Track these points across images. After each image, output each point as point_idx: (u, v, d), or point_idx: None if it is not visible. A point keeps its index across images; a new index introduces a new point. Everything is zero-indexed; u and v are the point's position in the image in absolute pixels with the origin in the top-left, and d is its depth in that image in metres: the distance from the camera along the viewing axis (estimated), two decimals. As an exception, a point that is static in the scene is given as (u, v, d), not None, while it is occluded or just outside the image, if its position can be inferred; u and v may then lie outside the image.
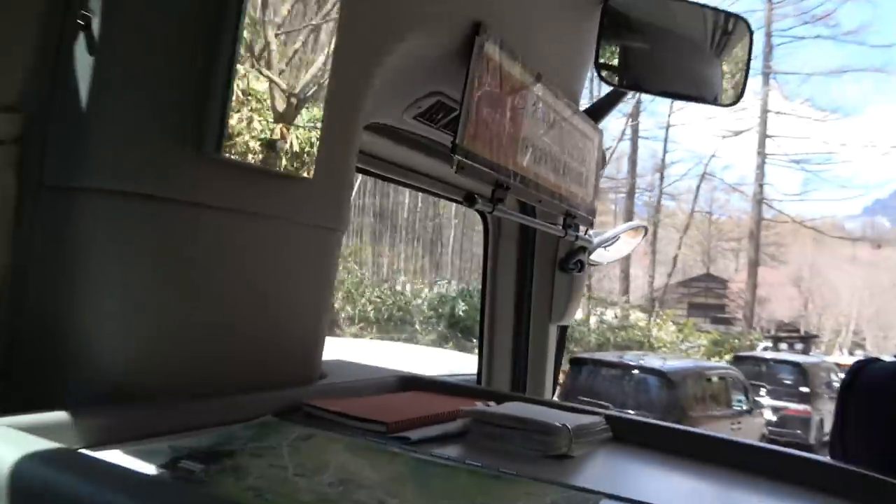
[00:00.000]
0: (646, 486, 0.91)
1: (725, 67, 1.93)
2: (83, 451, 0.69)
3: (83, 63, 0.80)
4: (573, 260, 1.99)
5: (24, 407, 0.70)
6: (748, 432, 11.61)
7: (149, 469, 0.66)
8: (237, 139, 0.85)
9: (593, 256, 2.17)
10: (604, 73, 1.86)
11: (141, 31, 0.81)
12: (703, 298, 35.79)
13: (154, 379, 0.82)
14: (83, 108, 0.80)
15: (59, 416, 0.70)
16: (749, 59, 1.90)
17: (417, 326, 16.51)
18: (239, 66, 0.84)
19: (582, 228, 1.91)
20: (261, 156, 0.89)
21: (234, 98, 0.84)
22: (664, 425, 1.09)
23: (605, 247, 2.27)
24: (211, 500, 0.59)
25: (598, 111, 1.93)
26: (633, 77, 1.90)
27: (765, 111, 30.83)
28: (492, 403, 1.07)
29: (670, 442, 1.03)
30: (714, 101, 1.95)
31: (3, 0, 0.76)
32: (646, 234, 2.66)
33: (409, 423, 0.94)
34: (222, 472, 0.69)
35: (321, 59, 0.98)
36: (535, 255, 2.01)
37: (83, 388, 0.78)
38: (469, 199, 1.38)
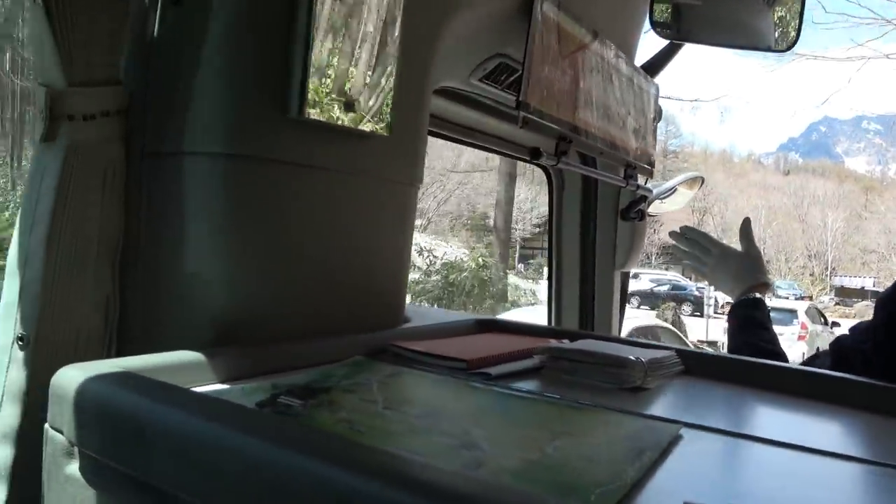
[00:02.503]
0: (721, 415, 0.84)
1: (780, 13, 1.77)
2: (195, 388, 0.68)
3: (178, 37, 0.78)
4: (634, 209, 1.89)
5: (139, 352, 0.69)
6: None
7: (251, 404, 0.64)
8: (318, 102, 0.81)
9: (650, 209, 2.05)
10: (658, 28, 1.73)
11: (227, 5, 0.77)
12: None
13: (258, 324, 0.81)
14: (180, 78, 0.78)
15: (174, 357, 0.69)
16: (804, 4, 1.73)
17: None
18: (316, 34, 0.80)
19: (641, 179, 1.80)
20: (340, 116, 0.85)
21: (313, 63, 0.80)
22: (733, 358, 1.01)
23: (661, 199, 2.15)
24: (308, 431, 0.57)
25: (654, 65, 1.80)
26: (686, 30, 1.76)
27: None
28: (565, 341, 1.01)
29: (739, 373, 0.95)
30: (769, 49, 1.79)
31: None
32: (702, 184, 2.51)
33: (488, 360, 0.90)
34: (318, 406, 0.67)
35: (392, 25, 0.92)
36: (597, 206, 1.92)
37: (193, 333, 0.77)
38: (534, 154, 1.31)
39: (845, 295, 36.24)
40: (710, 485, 0.57)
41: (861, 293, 35.29)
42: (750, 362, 0.98)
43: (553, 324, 2.03)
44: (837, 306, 32.92)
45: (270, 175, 0.81)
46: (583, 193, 1.93)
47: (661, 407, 0.81)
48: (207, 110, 0.77)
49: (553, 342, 0.99)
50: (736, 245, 1.56)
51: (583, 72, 1.34)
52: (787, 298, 24.00)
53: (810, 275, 42.49)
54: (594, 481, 0.52)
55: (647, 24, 1.74)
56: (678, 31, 1.74)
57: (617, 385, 0.85)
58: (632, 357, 0.86)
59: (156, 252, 0.79)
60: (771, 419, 0.85)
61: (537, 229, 30.50)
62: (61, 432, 0.58)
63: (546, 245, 2.19)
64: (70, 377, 0.59)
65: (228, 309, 0.79)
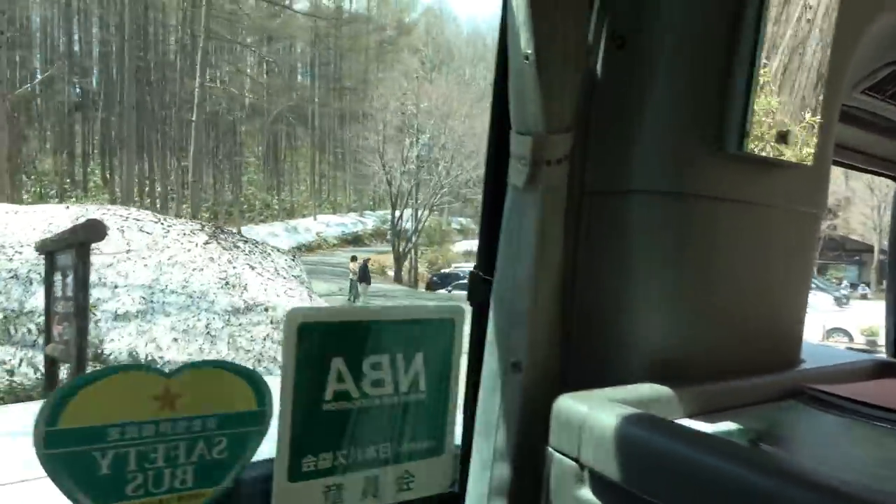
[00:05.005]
0: None
1: None
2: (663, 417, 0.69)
3: (619, 79, 0.81)
4: None
5: (579, 379, 0.73)
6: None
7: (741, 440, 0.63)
8: (755, 134, 0.79)
9: None
10: None
11: (669, 43, 0.78)
12: None
13: (690, 361, 0.80)
14: (621, 119, 0.81)
15: (647, 389, 0.71)
16: None
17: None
18: (759, 64, 0.77)
19: None
20: (775, 147, 0.81)
21: (754, 95, 0.77)
22: None
23: None
24: (809, 472, 0.54)
25: None
26: None
27: None
28: None
29: None
30: None
31: (553, 33, 0.79)
32: None
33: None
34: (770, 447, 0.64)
35: (810, 46, 0.86)
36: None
37: (631, 367, 0.79)
38: None
39: None
40: None
41: None
42: None
43: (890, 352, 1.76)
44: None
45: (706, 212, 0.80)
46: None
47: None
48: (649, 149, 0.79)
49: None
50: None
51: None
52: None
53: None
54: None
55: None
56: None
57: None
58: None
59: (595, 287, 0.82)
60: None
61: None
62: (567, 455, 0.63)
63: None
64: (570, 405, 0.64)
65: (666, 345, 0.80)
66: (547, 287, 0.80)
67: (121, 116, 31.72)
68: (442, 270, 29.05)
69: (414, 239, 30.00)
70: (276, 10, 37.95)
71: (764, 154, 0.80)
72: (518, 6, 0.74)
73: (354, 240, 37.18)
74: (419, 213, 30.10)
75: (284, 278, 13.85)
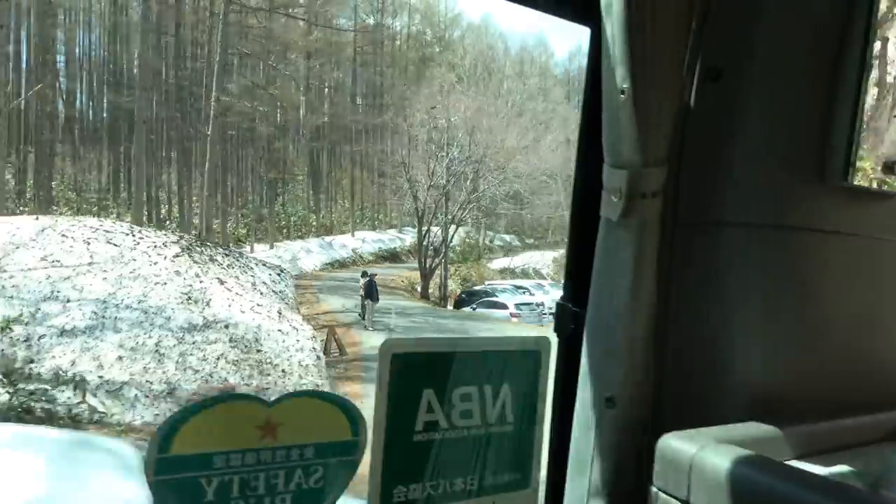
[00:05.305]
0: None
1: None
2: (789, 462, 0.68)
3: (714, 110, 0.81)
4: None
5: (678, 417, 0.72)
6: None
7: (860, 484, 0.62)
8: (859, 164, 0.78)
9: None
10: None
11: (766, 75, 0.78)
12: None
13: (792, 399, 0.79)
14: (713, 151, 0.80)
15: (751, 429, 0.70)
16: None
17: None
18: (866, 90, 0.76)
19: None
20: (882, 178, 0.79)
21: (860, 124, 0.76)
22: None
23: None
24: None
25: None
26: None
27: None
28: None
29: None
30: None
31: (650, 67, 0.79)
32: None
33: None
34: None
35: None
36: None
37: (727, 402, 0.78)
38: None
39: None
40: None
41: None
42: None
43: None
44: None
45: (809, 244, 0.79)
46: None
47: None
48: (745, 181, 0.78)
49: None
50: None
51: None
52: None
53: None
54: None
55: None
56: None
57: None
58: None
59: (690, 321, 0.82)
60: None
61: None
62: (675, 497, 0.62)
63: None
64: (676, 444, 0.63)
65: (767, 381, 0.79)
66: (642, 320, 0.80)
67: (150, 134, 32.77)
68: (474, 288, 28.95)
69: (442, 254, 29.89)
70: (311, 27, 38.65)
71: (868, 186, 0.79)
72: (614, 41, 0.74)
73: (391, 256, 37.31)
74: (449, 228, 30.09)
75: (262, 293, 13.26)
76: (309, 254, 33.95)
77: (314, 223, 41.03)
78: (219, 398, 0.75)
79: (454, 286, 31.45)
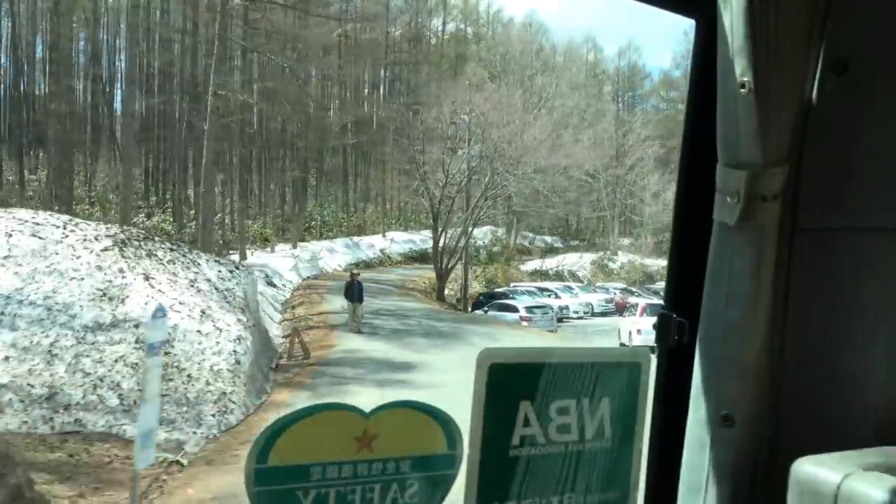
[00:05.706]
0: None
1: None
2: None
3: (838, 106, 0.76)
4: None
5: (798, 437, 0.66)
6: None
7: None
8: None
9: None
10: None
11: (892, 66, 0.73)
12: None
13: None
14: (838, 150, 0.75)
15: (885, 452, 0.64)
16: None
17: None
18: None
19: None
20: None
21: None
22: None
23: None
24: None
25: None
26: None
27: None
28: None
29: None
30: None
31: (774, 59, 0.74)
32: None
33: None
34: None
35: None
36: None
37: (852, 423, 0.73)
38: None
39: None
40: None
41: None
42: None
43: None
44: None
45: None
46: None
47: None
48: (874, 182, 0.73)
49: None
50: None
51: None
52: None
53: None
54: None
55: None
56: None
57: None
58: None
59: (811, 333, 0.76)
60: None
61: None
62: None
63: None
64: (816, 471, 0.58)
65: (885, 398, 0.73)
66: (760, 332, 0.75)
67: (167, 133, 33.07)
68: (495, 290, 28.54)
69: (460, 255, 29.43)
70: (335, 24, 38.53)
71: None
72: (736, 30, 0.70)
73: (420, 257, 37.05)
74: (468, 227, 29.72)
75: (199, 291, 12.00)
76: (333, 254, 33.82)
77: (344, 223, 41.11)
78: (317, 407, 0.72)
79: (478, 287, 31.16)
